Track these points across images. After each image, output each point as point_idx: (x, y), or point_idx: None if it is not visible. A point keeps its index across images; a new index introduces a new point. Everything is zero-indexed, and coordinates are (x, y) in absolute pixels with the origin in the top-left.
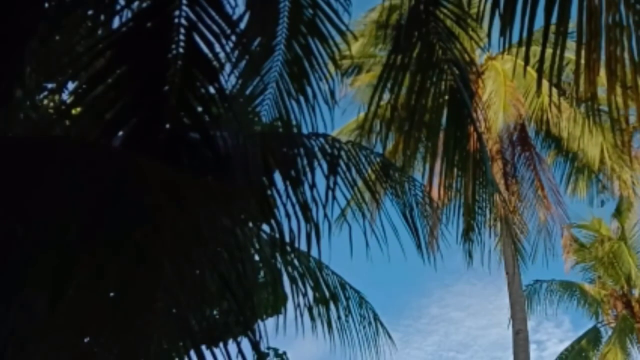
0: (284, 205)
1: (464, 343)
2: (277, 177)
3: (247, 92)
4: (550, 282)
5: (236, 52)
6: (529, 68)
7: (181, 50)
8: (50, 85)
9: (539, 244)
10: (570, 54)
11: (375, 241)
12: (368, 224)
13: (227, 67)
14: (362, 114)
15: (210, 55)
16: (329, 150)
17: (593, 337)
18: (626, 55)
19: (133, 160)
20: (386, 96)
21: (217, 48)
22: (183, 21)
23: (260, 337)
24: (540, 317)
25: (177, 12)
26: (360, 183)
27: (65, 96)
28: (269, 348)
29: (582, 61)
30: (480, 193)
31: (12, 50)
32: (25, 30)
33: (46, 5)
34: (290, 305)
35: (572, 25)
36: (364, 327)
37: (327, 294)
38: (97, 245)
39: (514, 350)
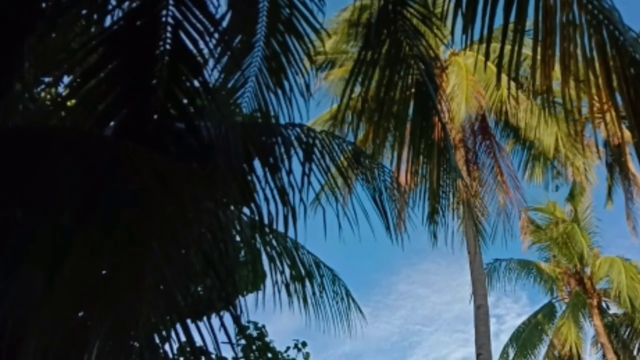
0: (263, 190)
1: (429, 317)
2: (257, 164)
3: (229, 85)
4: (509, 260)
5: (219, 49)
6: (489, 63)
7: (168, 46)
8: (47, 79)
9: (499, 226)
10: (527, 50)
11: (348, 223)
12: (341, 207)
13: (211, 63)
14: (335, 106)
15: (194, 51)
16: (305, 139)
17: (548, 311)
18: (579, 51)
19: (123, 148)
20: (357, 89)
21: (201, 45)
22: (170, 20)
23: (241, 311)
24: (500, 293)
25: (164, 12)
26: (333, 169)
27: (61, 89)
28: (249, 322)
29: (538, 57)
30: (444, 178)
31: (12, 47)
32: (24, 28)
33: (43, 5)
34: (268, 282)
35: (529, 23)
36: (337, 303)
37: (302, 271)
38: (91, 226)
39: (475, 323)
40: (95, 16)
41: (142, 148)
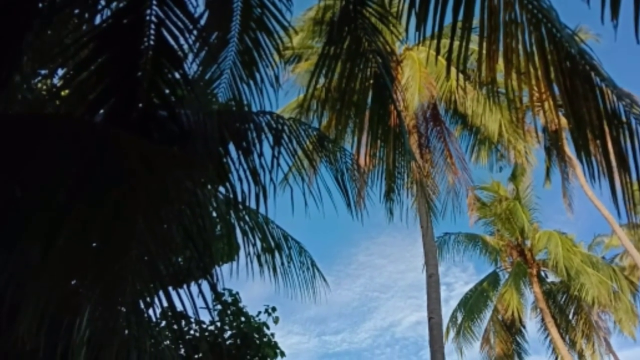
0: (237, 171)
1: (386, 285)
2: (231, 147)
3: (206, 77)
4: (458, 234)
5: (197, 44)
6: (439, 57)
7: (152, 42)
8: (43, 72)
9: (448, 203)
10: (474, 46)
11: (313, 200)
12: (306, 186)
13: (190, 57)
14: (301, 95)
15: (175, 46)
16: (274, 125)
17: (493, 280)
18: (520, 46)
19: (112, 133)
20: (321, 80)
21: (182, 40)
22: (153, 18)
23: (217, 280)
24: (449, 263)
25: (148, 11)
26: (300, 152)
27: (55, 80)
28: (224, 289)
29: (484, 51)
30: (399, 161)
31: (12, 43)
32: (23, 26)
33: (40, 5)
34: (242, 253)
35: (476, 21)
36: (303, 272)
37: (272, 244)
38: (82, 203)
39: (427, 290)
40: (86, 15)
41: (128, 133)
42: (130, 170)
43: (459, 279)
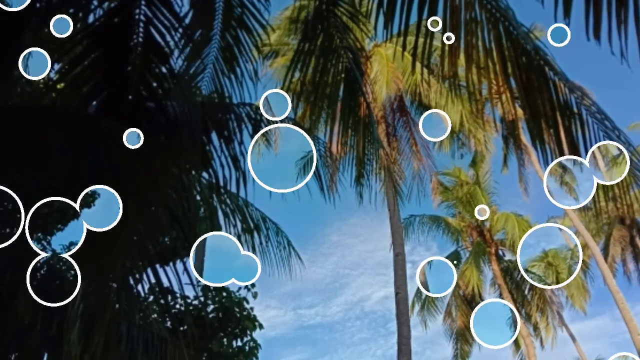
0: (219, 158)
1: (356, 263)
2: (214, 136)
3: (191, 71)
4: (422, 216)
5: (182, 41)
6: (405, 53)
7: (140, 39)
8: None
9: (414, 187)
10: (437, 42)
11: None
12: None
13: (176, 53)
14: (278, 88)
15: (162, 43)
16: (253, 116)
17: (454, 258)
18: (480, 43)
19: (104, 123)
20: (297, 74)
21: (168, 38)
22: (142, 17)
23: None
24: (415, 243)
25: (137, 10)
26: None
27: (52, 74)
28: None
29: (446, 48)
30: (369, 148)
31: (12, 39)
32: (22, 24)
33: (37, 5)
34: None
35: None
36: (280, 251)
37: (252, 225)
38: (77, 188)
39: (394, 268)
40: (80, 14)
41: (119, 123)
42: (120, 158)
43: (424, 258)
